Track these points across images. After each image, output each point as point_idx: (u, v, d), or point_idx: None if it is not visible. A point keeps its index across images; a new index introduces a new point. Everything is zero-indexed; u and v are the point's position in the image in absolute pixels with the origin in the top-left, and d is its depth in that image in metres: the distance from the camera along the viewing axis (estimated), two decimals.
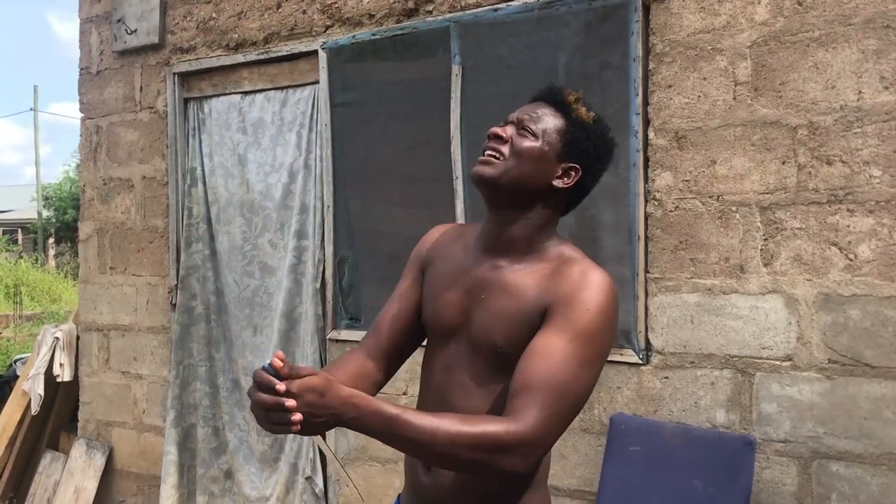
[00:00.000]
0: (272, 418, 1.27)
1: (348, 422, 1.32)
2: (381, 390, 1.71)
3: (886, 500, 2.44)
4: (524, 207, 1.56)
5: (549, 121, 1.55)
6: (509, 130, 1.55)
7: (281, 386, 1.26)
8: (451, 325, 1.60)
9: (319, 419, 1.29)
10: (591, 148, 1.56)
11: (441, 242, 1.72)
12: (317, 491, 3.61)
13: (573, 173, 1.55)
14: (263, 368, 1.29)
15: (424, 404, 1.64)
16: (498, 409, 1.49)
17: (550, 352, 1.41)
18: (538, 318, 1.47)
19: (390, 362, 1.70)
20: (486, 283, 1.57)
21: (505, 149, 1.54)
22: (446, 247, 1.70)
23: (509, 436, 1.35)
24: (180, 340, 4.04)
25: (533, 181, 1.54)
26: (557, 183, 1.55)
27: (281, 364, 1.28)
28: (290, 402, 1.26)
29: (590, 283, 1.45)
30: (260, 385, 1.28)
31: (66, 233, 22.38)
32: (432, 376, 1.63)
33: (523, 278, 1.53)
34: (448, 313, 1.61)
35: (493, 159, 1.54)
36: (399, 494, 1.78)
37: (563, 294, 1.46)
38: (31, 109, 24.33)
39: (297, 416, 1.26)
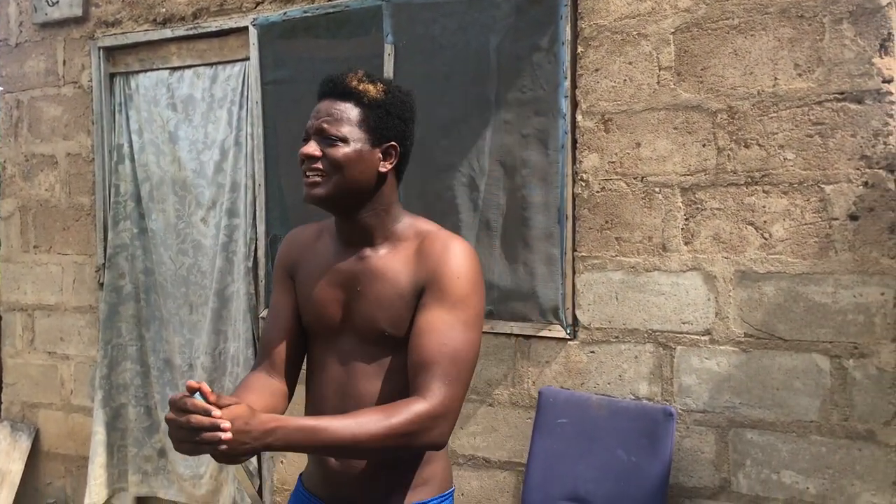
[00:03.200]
0: (201, 438, 1.32)
1: (272, 444, 1.39)
2: None
3: (795, 464, 2.60)
4: (364, 202, 1.63)
5: (347, 116, 1.59)
6: (316, 146, 1.59)
7: (216, 412, 1.32)
8: (334, 321, 1.68)
9: (244, 446, 1.36)
10: (395, 121, 1.63)
11: (301, 246, 1.78)
12: (251, 468, 3.63)
13: (392, 151, 1.64)
14: (190, 394, 1.34)
15: (322, 398, 1.70)
16: (398, 385, 1.61)
17: (436, 326, 1.54)
18: (415, 296, 1.59)
19: (291, 373, 1.75)
20: (357, 275, 1.65)
21: (321, 164, 1.59)
22: (308, 249, 1.77)
23: (425, 414, 1.47)
24: (108, 320, 3.98)
25: (361, 179, 1.61)
26: (383, 168, 1.63)
27: (210, 391, 1.34)
28: (226, 424, 1.32)
29: (453, 254, 1.59)
30: (190, 410, 1.32)
31: None
32: (326, 371, 1.70)
33: (391, 262, 1.63)
34: (329, 311, 1.68)
35: (316, 178, 1.59)
36: (300, 474, 1.84)
37: (433, 270, 1.58)
38: None
39: (228, 435, 1.32)
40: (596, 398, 2.78)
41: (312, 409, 1.73)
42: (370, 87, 1.61)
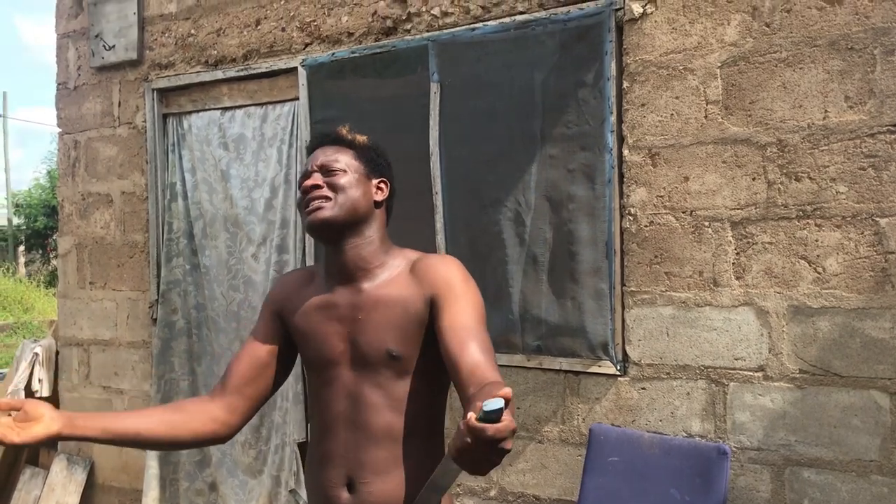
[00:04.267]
0: (497, 455, 1.22)
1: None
2: None
3: None
4: (361, 231, 1.74)
5: (343, 156, 1.75)
6: (319, 178, 1.73)
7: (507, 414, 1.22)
8: (336, 354, 1.71)
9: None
10: (383, 162, 1.82)
11: (290, 291, 1.84)
12: (300, 503, 3.65)
13: (384, 185, 1.80)
14: (495, 407, 1.19)
15: (330, 433, 1.71)
16: (409, 413, 1.65)
17: (467, 324, 1.60)
18: (426, 309, 1.66)
19: (239, 401, 1.76)
20: (357, 305, 1.71)
21: (326, 192, 1.71)
22: (299, 291, 1.81)
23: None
24: (161, 355, 4.05)
25: (362, 204, 1.73)
26: (378, 196, 1.77)
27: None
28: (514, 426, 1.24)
29: (449, 264, 1.72)
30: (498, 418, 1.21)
31: (37, 240, 22.12)
32: (332, 407, 1.71)
33: (391, 287, 1.71)
34: (329, 345, 1.72)
35: (322, 203, 1.70)
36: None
37: (440, 280, 1.67)
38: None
39: (511, 444, 1.23)
40: (648, 436, 2.74)
41: (318, 445, 1.74)
42: (358, 136, 1.80)
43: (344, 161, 1.74)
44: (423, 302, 1.66)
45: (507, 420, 1.19)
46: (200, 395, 4.00)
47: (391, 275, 1.72)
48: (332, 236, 1.72)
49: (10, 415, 1.54)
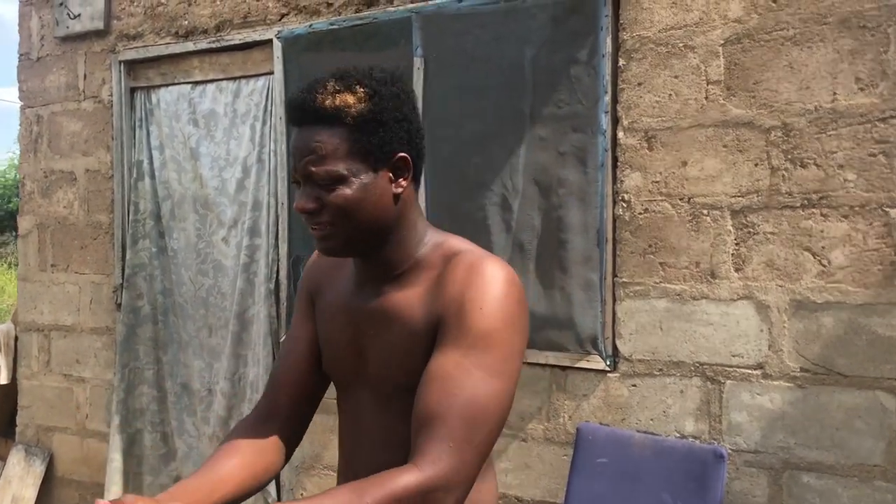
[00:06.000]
0: None
1: None
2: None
3: None
4: (384, 238, 1.33)
5: (333, 147, 1.25)
6: (310, 197, 1.27)
7: None
8: (348, 369, 1.40)
9: None
10: (393, 127, 1.27)
11: (324, 270, 1.49)
12: (270, 501, 3.47)
13: (402, 164, 1.30)
14: None
15: (341, 456, 1.46)
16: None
17: (448, 371, 1.20)
18: (430, 335, 1.26)
19: (297, 413, 1.47)
20: (373, 316, 1.35)
21: (325, 216, 1.27)
22: (331, 275, 1.47)
23: (415, 488, 1.13)
24: (125, 342, 3.85)
25: (377, 215, 1.29)
26: (398, 189, 1.30)
27: None
28: None
29: (479, 278, 1.24)
30: None
31: (10, 222, 21.67)
32: (343, 426, 1.44)
33: (409, 298, 1.31)
34: (343, 357, 1.40)
35: (325, 231, 1.29)
36: None
37: (452, 299, 1.24)
38: None
39: None
40: (639, 436, 2.58)
41: (341, 458, 1.49)
42: (349, 98, 1.25)
43: (337, 161, 1.25)
44: (428, 324, 1.27)
45: None
46: (164, 385, 3.80)
47: (417, 278, 1.32)
48: (352, 255, 1.37)
49: None
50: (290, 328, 1.53)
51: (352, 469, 1.39)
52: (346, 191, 1.25)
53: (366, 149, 1.26)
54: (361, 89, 1.26)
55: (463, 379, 1.19)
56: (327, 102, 1.25)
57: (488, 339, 1.21)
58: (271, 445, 1.41)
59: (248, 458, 1.36)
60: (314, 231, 1.30)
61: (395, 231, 1.32)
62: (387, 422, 1.32)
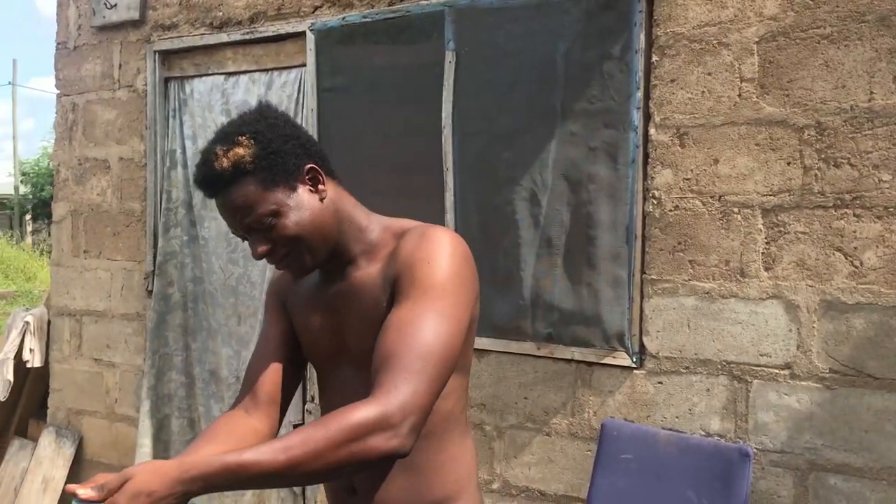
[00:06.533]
0: None
1: (197, 492, 1.22)
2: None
3: None
4: (334, 236, 1.47)
5: (251, 195, 1.38)
6: (260, 241, 1.42)
7: None
8: (329, 350, 1.55)
9: None
10: (286, 150, 1.42)
11: (288, 280, 1.63)
12: (294, 488, 3.50)
13: (313, 172, 1.45)
14: (76, 497, 1.20)
15: None
16: None
17: (402, 318, 1.34)
18: (389, 297, 1.41)
19: (273, 409, 1.57)
20: (342, 297, 1.50)
21: (280, 250, 1.43)
22: (297, 282, 1.61)
23: (373, 417, 1.25)
24: (156, 329, 3.90)
25: (320, 224, 1.44)
26: (323, 194, 1.45)
27: (91, 493, 1.19)
28: None
29: (426, 240, 1.41)
30: None
31: (44, 210, 22.03)
32: (333, 403, 1.54)
33: (371, 273, 1.47)
34: (322, 342, 1.55)
35: (289, 262, 1.45)
36: None
37: (403, 261, 1.40)
38: (9, 83, 23.92)
39: None
40: (664, 433, 2.58)
41: None
42: (239, 150, 1.38)
43: (261, 203, 1.38)
44: (387, 286, 1.42)
45: None
46: (192, 371, 3.85)
47: (373, 258, 1.49)
48: (320, 266, 1.52)
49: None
50: (261, 332, 1.65)
51: None
52: (284, 220, 1.40)
53: (276, 179, 1.40)
54: (243, 138, 1.40)
55: (416, 322, 1.33)
56: (225, 165, 1.38)
57: (438, 289, 1.36)
58: (249, 433, 1.50)
59: (226, 444, 1.43)
60: (279, 266, 1.46)
61: (339, 227, 1.47)
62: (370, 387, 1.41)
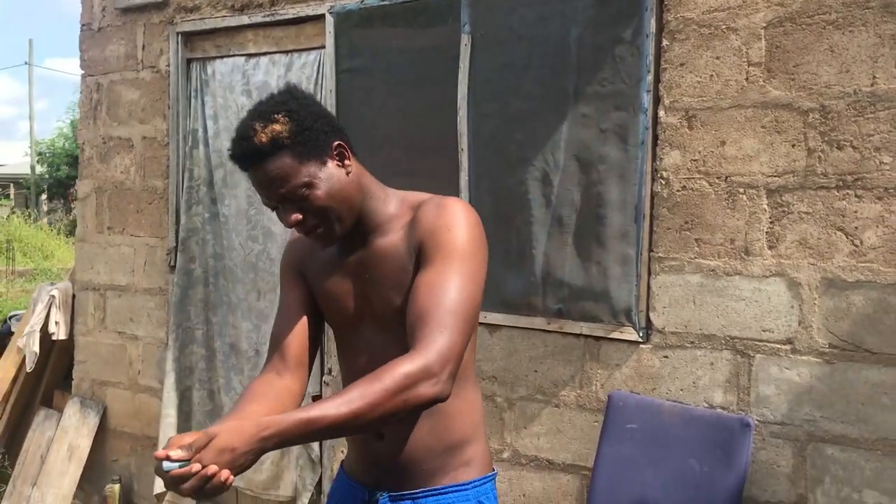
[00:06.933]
0: (208, 493, 1.32)
1: (272, 448, 1.36)
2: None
3: (879, 484, 2.46)
4: (357, 208, 1.62)
5: (286, 168, 1.52)
6: (292, 211, 1.56)
7: (196, 466, 1.30)
8: (353, 313, 1.68)
9: (243, 464, 1.34)
10: (317, 127, 1.55)
11: (304, 249, 1.76)
12: (313, 456, 3.63)
13: (340, 149, 1.59)
14: (166, 468, 1.30)
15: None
16: None
17: (431, 280, 1.50)
18: (415, 263, 1.57)
19: (299, 366, 1.71)
20: (363, 263, 1.65)
21: (311, 220, 1.57)
22: (312, 251, 1.74)
23: (417, 370, 1.42)
24: (179, 303, 4.02)
25: (346, 196, 1.58)
26: (348, 169, 1.59)
27: (182, 453, 1.30)
28: (212, 470, 1.30)
29: (445, 210, 1.57)
30: (178, 481, 1.30)
31: (59, 189, 22.24)
32: (355, 363, 1.69)
33: (392, 240, 1.61)
34: (346, 305, 1.69)
35: (318, 231, 1.59)
36: (342, 461, 1.86)
37: (426, 229, 1.56)
38: (25, 63, 24.08)
39: (226, 475, 1.31)
40: (668, 405, 2.68)
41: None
42: (277, 128, 1.52)
43: (296, 175, 1.53)
44: (412, 253, 1.58)
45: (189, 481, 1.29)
46: (213, 344, 3.98)
47: (392, 227, 1.63)
48: (345, 236, 1.65)
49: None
50: (280, 301, 1.78)
51: None
52: (316, 191, 1.54)
53: (309, 154, 1.54)
54: (280, 115, 1.53)
55: (444, 283, 1.49)
56: (263, 140, 1.51)
57: (459, 252, 1.53)
58: (284, 391, 1.65)
59: (267, 403, 1.59)
60: (308, 235, 1.60)
61: (363, 199, 1.62)
62: (398, 342, 1.55)
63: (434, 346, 1.44)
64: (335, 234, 1.60)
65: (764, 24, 2.63)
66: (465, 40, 3.17)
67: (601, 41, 2.89)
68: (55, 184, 22.52)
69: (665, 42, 2.79)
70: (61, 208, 21.65)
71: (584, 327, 2.95)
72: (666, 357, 2.81)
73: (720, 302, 2.71)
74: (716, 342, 2.72)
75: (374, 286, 1.64)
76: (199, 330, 4.04)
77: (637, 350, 2.86)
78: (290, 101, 1.57)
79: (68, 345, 4.61)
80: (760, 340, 2.65)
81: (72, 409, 4.45)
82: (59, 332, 4.51)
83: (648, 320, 2.84)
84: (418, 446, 1.65)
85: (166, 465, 1.30)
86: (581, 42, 2.93)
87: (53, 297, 4.51)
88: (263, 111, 1.55)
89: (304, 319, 1.73)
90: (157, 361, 4.19)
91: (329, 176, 1.56)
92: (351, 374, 1.71)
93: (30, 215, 18.86)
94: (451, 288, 1.49)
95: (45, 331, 4.50)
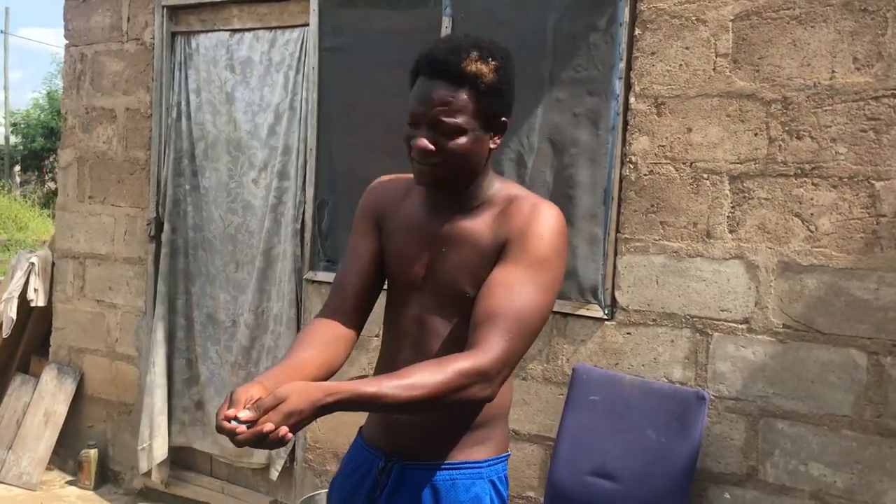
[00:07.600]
0: (266, 447, 1.36)
1: (331, 412, 1.41)
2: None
3: (824, 457, 2.61)
4: (472, 179, 1.63)
5: (463, 106, 1.52)
6: (431, 138, 1.54)
7: (268, 426, 1.33)
8: (416, 279, 1.69)
9: (304, 424, 1.39)
10: (506, 98, 1.59)
11: (390, 198, 1.77)
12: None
13: (502, 127, 1.61)
14: (234, 429, 1.34)
15: (397, 350, 1.73)
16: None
17: (509, 281, 1.52)
18: (494, 254, 1.58)
19: (359, 315, 1.75)
20: (444, 237, 1.66)
21: (438, 157, 1.56)
22: (397, 203, 1.75)
23: (477, 368, 1.46)
24: (168, 273, 4.08)
25: (475, 163, 1.60)
26: (493, 145, 1.62)
27: (249, 414, 1.34)
28: (283, 432, 1.34)
29: (541, 215, 1.57)
30: (244, 440, 1.35)
31: (34, 161, 21.98)
32: (402, 326, 1.72)
33: (478, 225, 1.62)
34: (412, 269, 1.69)
35: (432, 168, 1.57)
36: (361, 427, 1.88)
37: (517, 228, 1.57)
38: (1, 32, 23.73)
39: (285, 431, 1.35)
40: (629, 378, 2.81)
41: (385, 359, 1.76)
42: (485, 70, 1.52)
43: (463, 117, 1.52)
44: (495, 245, 1.59)
45: (248, 432, 1.32)
46: (191, 314, 4.05)
47: (483, 212, 1.64)
48: (443, 189, 1.65)
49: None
50: (350, 243, 1.80)
51: (414, 353, 1.66)
52: (464, 141, 1.55)
53: (486, 112, 1.55)
54: (494, 62, 1.54)
55: (521, 289, 1.51)
56: (470, 68, 1.51)
57: (544, 262, 1.54)
58: (340, 338, 1.70)
59: (321, 348, 1.64)
60: (422, 166, 1.58)
61: (478, 176, 1.63)
62: (450, 320, 1.63)
63: (495, 350, 1.47)
64: (443, 181, 1.60)
65: (732, 17, 2.74)
66: (446, 22, 3.26)
67: (577, 28, 2.99)
68: (29, 155, 22.25)
69: (637, 31, 2.90)
70: (35, 180, 21.43)
71: None
72: (629, 334, 2.93)
73: (682, 282, 2.84)
74: (676, 320, 2.85)
75: (445, 262, 1.65)
76: (179, 300, 4.11)
77: (602, 327, 2.99)
78: (508, 58, 1.59)
79: (46, 312, 4.66)
80: (718, 320, 2.78)
81: (49, 376, 4.51)
82: (38, 299, 4.56)
83: (614, 298, 2.96)
84: (442, 422, 1.66)
85: (234, 424, 1.34)
86: (557, 29, 3.03)
87: (33, 264, 4.55)
88: (485, 46, 1.56)
89: (370, 272, 1.74)
90: (135, 330, 4.26)
91: (480, 139, 1.57)
92: (394, 339, 1.74)
93: (3, 186, 18.67)
94: (526, 295, 1.51)
95: (23, 297, 4.54)
